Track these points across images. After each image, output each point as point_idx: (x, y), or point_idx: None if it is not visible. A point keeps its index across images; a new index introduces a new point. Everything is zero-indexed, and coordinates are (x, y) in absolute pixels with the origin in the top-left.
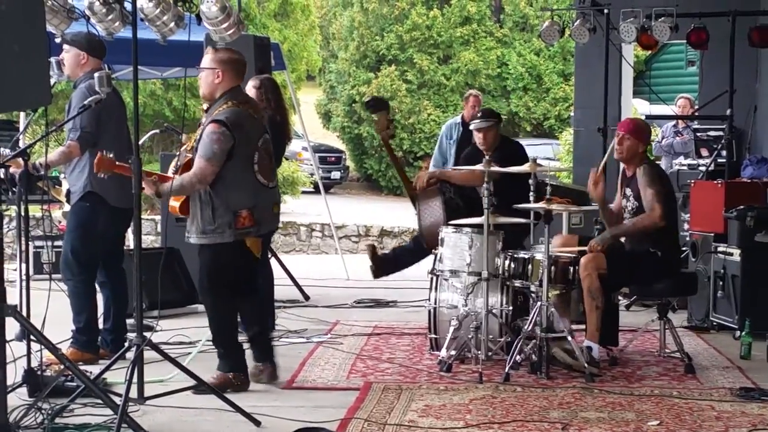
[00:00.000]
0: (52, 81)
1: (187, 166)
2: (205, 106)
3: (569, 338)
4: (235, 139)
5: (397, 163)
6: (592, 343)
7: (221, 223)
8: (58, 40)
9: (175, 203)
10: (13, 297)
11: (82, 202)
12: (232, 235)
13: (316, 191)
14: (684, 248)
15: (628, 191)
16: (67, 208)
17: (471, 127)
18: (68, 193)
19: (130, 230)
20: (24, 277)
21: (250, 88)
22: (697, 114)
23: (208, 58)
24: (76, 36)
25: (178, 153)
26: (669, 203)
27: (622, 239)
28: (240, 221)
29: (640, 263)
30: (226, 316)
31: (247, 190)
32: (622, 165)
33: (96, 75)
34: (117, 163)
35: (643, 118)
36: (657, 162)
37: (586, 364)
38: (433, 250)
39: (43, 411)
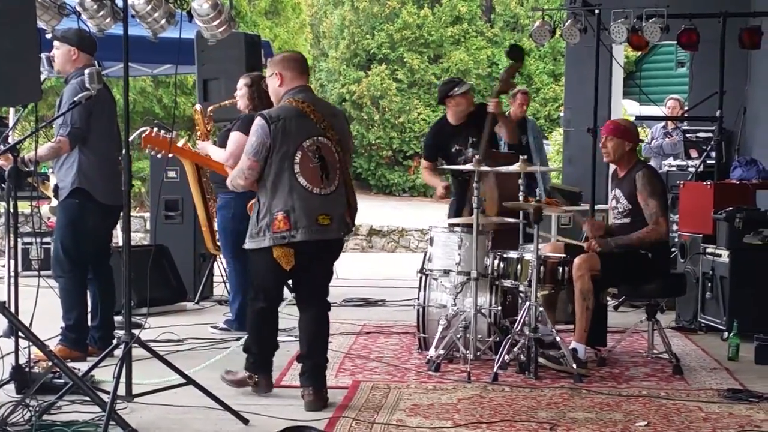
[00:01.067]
0: (43, 77)
1: None
2: None
3: (557, 339)
4: (272, 133)
5: (493, 119)
6: (579, 344)
7: (262, 226)
8: (49, 36)
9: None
10: (1, 293)
11: (71, 198)
12: (270, 239)
13: None
14: (673, 249)
15: (618, 192)
16: (54, 203)
17: (456, 92)
18: (56, 189)
19: (118, 227)
20: (12, 274)
21: (242, 86)
22: (686, 115)
23: (268, 67)
24: (66, 32)
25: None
26: (667, 212)
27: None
28: (276, 224)
29: (631, 264)
30: (255, 321)
31: (284, 192)
32: (612, 166)
33: (86, 71)
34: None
35: (633, 119)
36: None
37: (574, 365)
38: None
39: (30, 408)
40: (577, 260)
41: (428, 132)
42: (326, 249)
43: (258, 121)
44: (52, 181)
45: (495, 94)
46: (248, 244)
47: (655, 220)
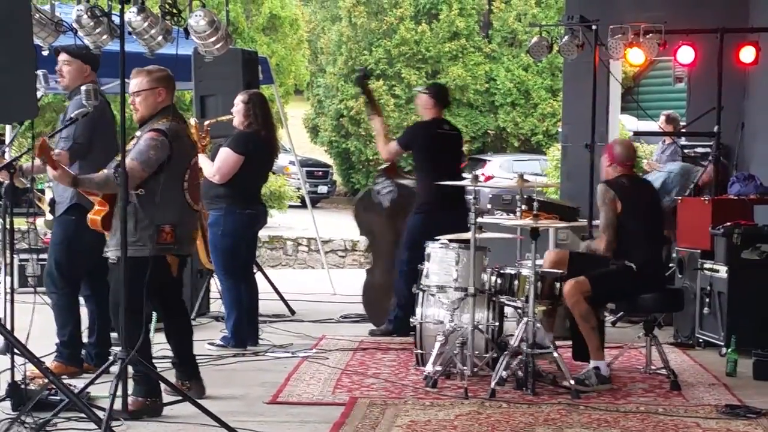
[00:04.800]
0: (39, 94)
1: None
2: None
3: (555, 354)
4: (172, 150)
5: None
6: (599, 362)
7: (143, 236)
8: (45, 53)
9: (96, 216)
10: None
11: (68, 215)
12: (152, 249)
13: (303, 205)
14: (671, 265)
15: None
16: (49, 217)
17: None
18: (52, 203)
19: None
20: (9, 290)
21: (239, 103)
22: (684, 130)
23: (144, 81)
24: (78, 48)
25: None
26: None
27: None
28: (162, 236)
29: (618, 279)
30: (138, 332)
31: (173, 207)
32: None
33: (83, 89)
34: (55, 159)
35: (631, 134)
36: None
37: (571, 381)
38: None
39: (26, 425)
40: (566, 287)
41: None
42: (186, 262)
43: (157, 137)
44: (48, 194)
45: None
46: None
47: (600, 232)
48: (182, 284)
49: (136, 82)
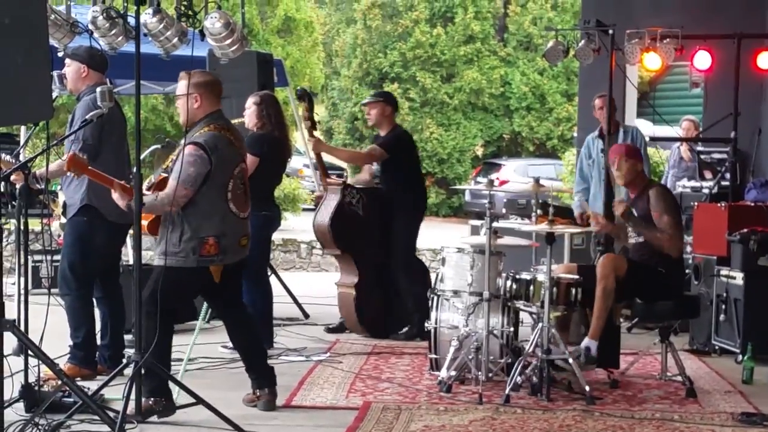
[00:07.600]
0: (54, 95)
1: (160, 184)
2: None
3: (570, 361)
4: (212, 163)
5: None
6: (593, 341)
7: (186, 247)
8: (60, 54)
9: (143, 221)
10: (11, 311)
11: (79, 216)
12: (194, 261)
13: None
14: (687, 271)
15: (632, 210)
16: (64, 220)
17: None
18: (65, 206)
19: (129, 245)
20: (23, 292)
21: (250, 105)
22: (700, 136)
23: (182, 84)
24: (76, 50)
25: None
26: (681, 230)
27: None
28: (205, 248)
29: (646, 277)
30: (167, 338)
31: (217, 218)
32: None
33: (98, 89)
34: (90, 168)
35: (647, 139)
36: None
37: (587, 388)
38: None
39: (40, 426)
40: (603, 259)
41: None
42: (241, 265)
43: (196, 152)
44: (61, 198)
45: (309, 135)
46: (164, 261)
47: (670, 233)
48: (241, 288)
49: (178, 86)
